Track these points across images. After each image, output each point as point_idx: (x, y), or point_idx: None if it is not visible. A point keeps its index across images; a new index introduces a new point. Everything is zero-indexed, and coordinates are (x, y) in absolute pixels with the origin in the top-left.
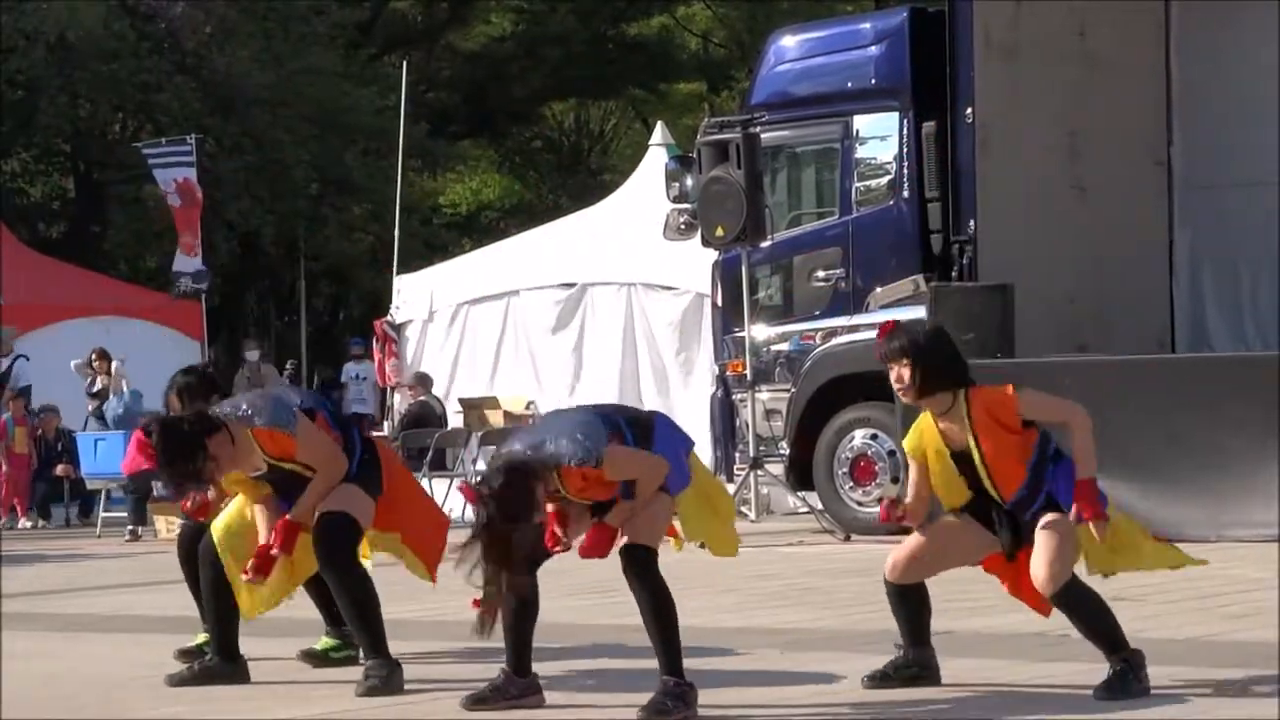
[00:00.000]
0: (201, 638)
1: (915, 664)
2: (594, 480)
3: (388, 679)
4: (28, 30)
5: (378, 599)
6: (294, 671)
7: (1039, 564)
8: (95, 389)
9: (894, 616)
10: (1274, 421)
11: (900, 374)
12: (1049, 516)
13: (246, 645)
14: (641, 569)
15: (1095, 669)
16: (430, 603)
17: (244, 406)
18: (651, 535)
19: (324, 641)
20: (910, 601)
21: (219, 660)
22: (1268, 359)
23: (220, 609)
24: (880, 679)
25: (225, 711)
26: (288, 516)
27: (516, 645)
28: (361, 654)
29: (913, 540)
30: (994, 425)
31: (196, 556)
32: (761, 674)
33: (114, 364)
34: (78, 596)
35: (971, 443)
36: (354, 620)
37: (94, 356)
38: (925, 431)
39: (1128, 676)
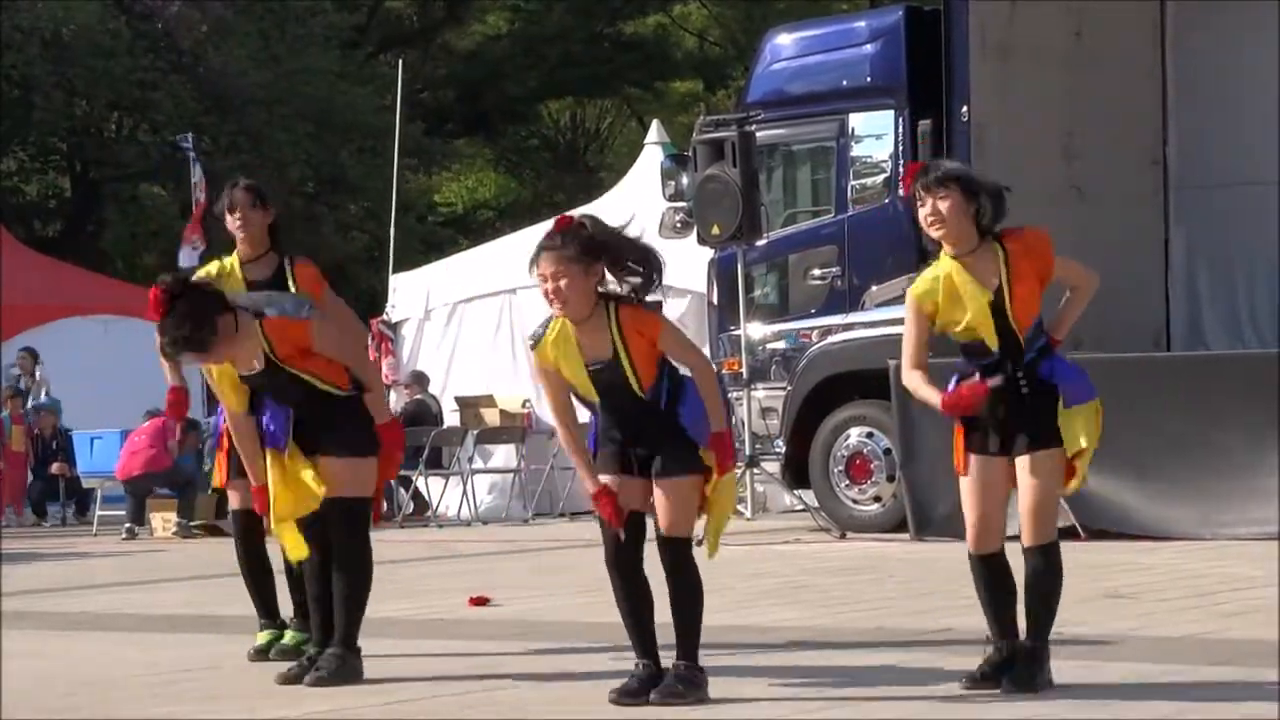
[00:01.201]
0: (263, 636)
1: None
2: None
3: (339, 670)
4: (23, 26)
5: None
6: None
7: (1029, 514)
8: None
9: (982, 606)
10: (1271, 419)
11: (936, 206)
12: (1041, 454)
13: (237, 645)
14: (683, 561)
15: (1098, 666)
16: (422, 601)
17: (257, 299)
18: (689, 525)
19: (293, 636)
20: (997, 576)
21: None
22: (1264, 357)
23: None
24: (980, 679)
25: (223, 711)
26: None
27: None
28: (320, 642)
29: (970, 503)
30: (1028, 269)
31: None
32: (757, 671)
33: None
34: (74, 595)
35: (1005, 278)
36: (344, 602)
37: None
38: (944, 279)
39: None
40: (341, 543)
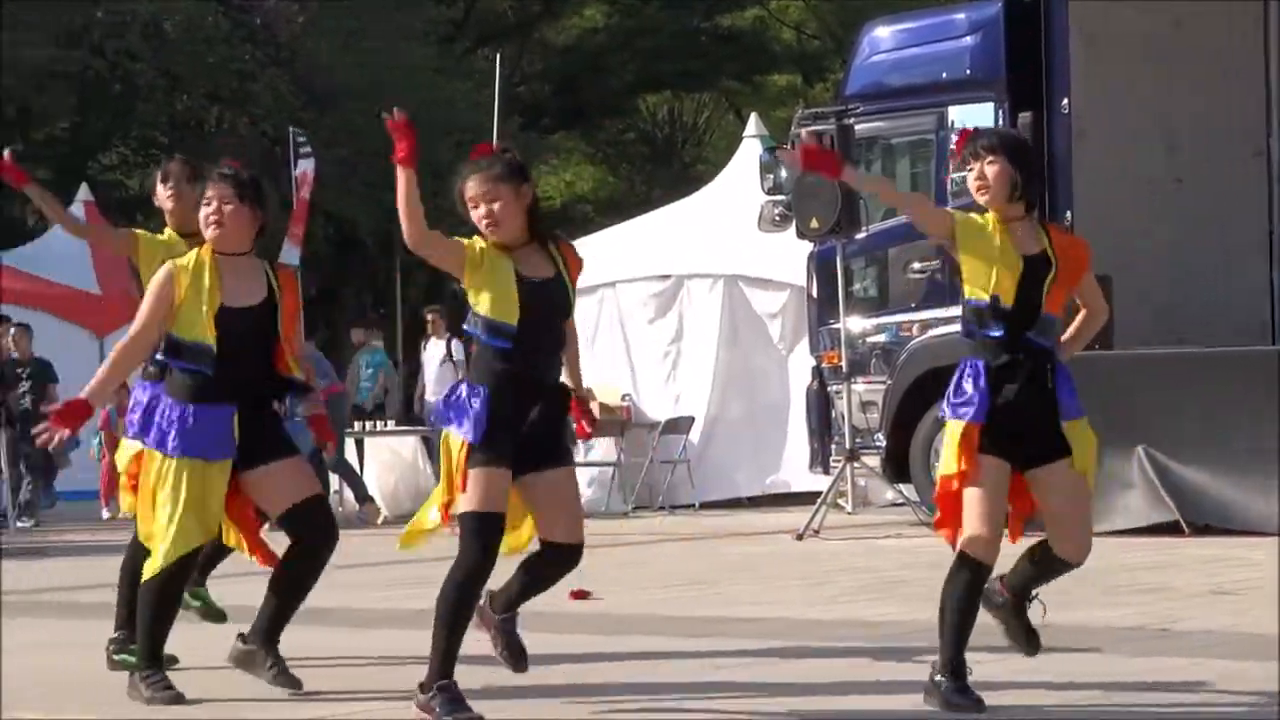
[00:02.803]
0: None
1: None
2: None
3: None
4: (124, 15)
5: None
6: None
7: (1078, 531)
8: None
9: (955, 629)
10: None
11: (983, 171)
12: (1064, 463)
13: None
14: None
15: (1202, 662)
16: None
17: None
18: None
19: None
20: (981, 594)
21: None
22: None
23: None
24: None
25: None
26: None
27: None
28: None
29: (985, 510)
30: (1068, 264)
31: None
32: (855, 668)
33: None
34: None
35: (1049, 250)
36: (295, 603)
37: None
38: (992, 222)
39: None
40: (326, 545)
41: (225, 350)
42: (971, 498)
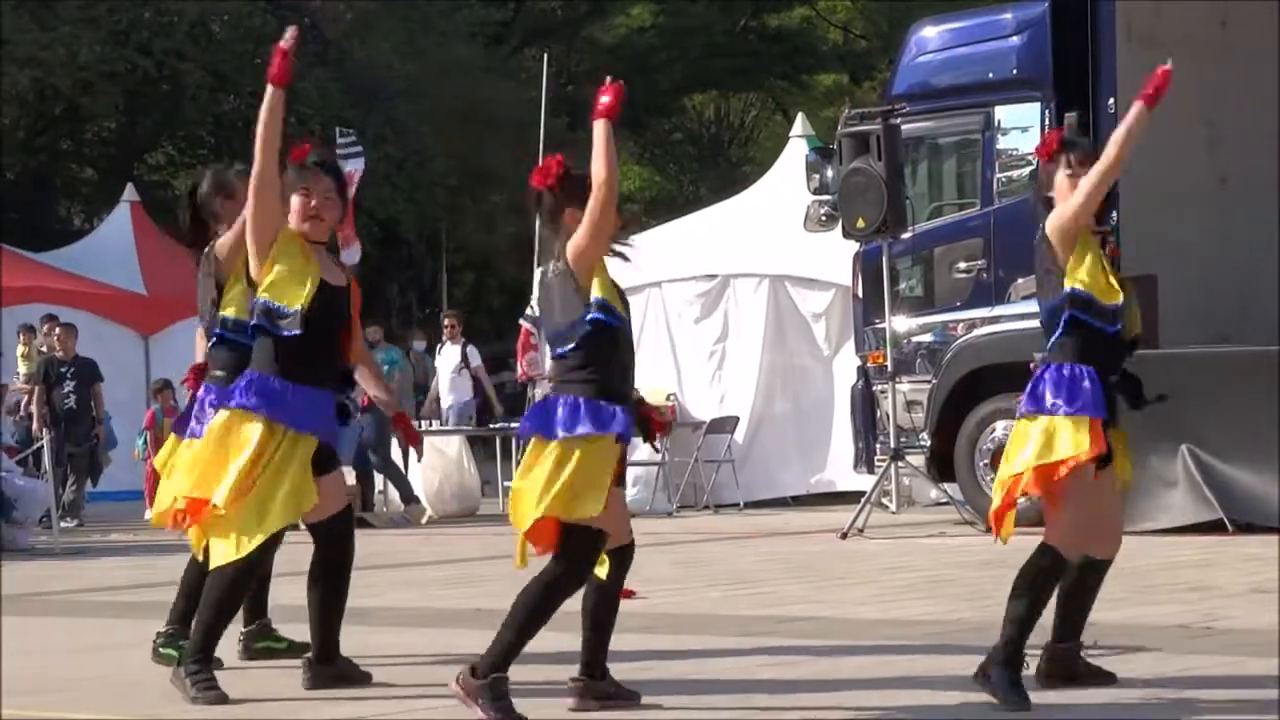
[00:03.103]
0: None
1: None
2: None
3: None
4: (171, 15)
5: None
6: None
7: (1118, 528)
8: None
9: (1075, 610)
10: None
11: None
12: (1112, 475)
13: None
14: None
15: (1242, 661)
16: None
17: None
18: None
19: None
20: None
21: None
22: None
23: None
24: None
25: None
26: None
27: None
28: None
29: (1112, 509)
30: None
31: None
32: (900, 666)
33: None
34: None
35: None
36: (338, 615)
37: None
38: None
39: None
40: (351, 552)
41: (318, 324)
42: (1098, 497)
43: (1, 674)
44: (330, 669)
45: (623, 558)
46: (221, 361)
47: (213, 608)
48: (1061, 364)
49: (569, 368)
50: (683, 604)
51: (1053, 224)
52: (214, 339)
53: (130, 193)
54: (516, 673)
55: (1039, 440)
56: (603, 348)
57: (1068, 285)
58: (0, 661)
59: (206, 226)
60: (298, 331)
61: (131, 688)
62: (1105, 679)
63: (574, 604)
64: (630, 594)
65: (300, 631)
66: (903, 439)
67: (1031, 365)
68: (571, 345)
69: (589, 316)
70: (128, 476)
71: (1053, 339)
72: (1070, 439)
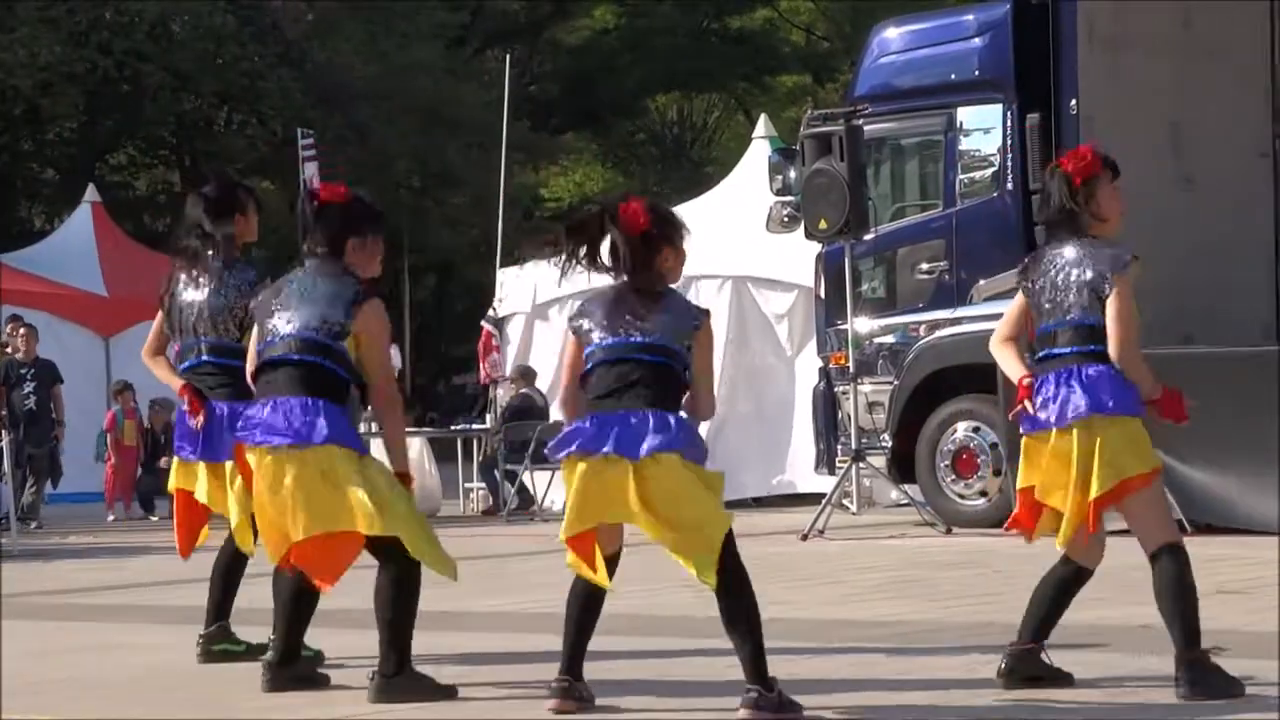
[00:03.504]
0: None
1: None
2: None
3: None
4: (132, 15)
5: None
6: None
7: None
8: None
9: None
10: None
11: (1116, 195)
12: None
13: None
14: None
15: (1111, 657)
16: (531, 596)
17: None
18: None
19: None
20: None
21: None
22: None
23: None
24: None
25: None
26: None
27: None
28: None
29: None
30: None
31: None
32: (865, 667)
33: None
34: (183, 588)
35: None
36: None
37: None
38: None
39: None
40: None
41: None
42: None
43: (1, 676)
44: (289, 671)
45: (611, 565)
46: (229, 376)
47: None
48: (1106, 364)
49: None
50: (648, 605)
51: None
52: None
53: (91, 193)
54: (489, 675)
55: (1138, 444)
56: None
57: None
58: (0, 663)
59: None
60: None
61: (94, 689)
62: (1065, 680)
63: (556, 606)
64: None
65: (258, 634)
66: (864, 440)
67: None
68: None
69: None
70: (86, 479)
71: (1081, 348)
72: (1145, 448)
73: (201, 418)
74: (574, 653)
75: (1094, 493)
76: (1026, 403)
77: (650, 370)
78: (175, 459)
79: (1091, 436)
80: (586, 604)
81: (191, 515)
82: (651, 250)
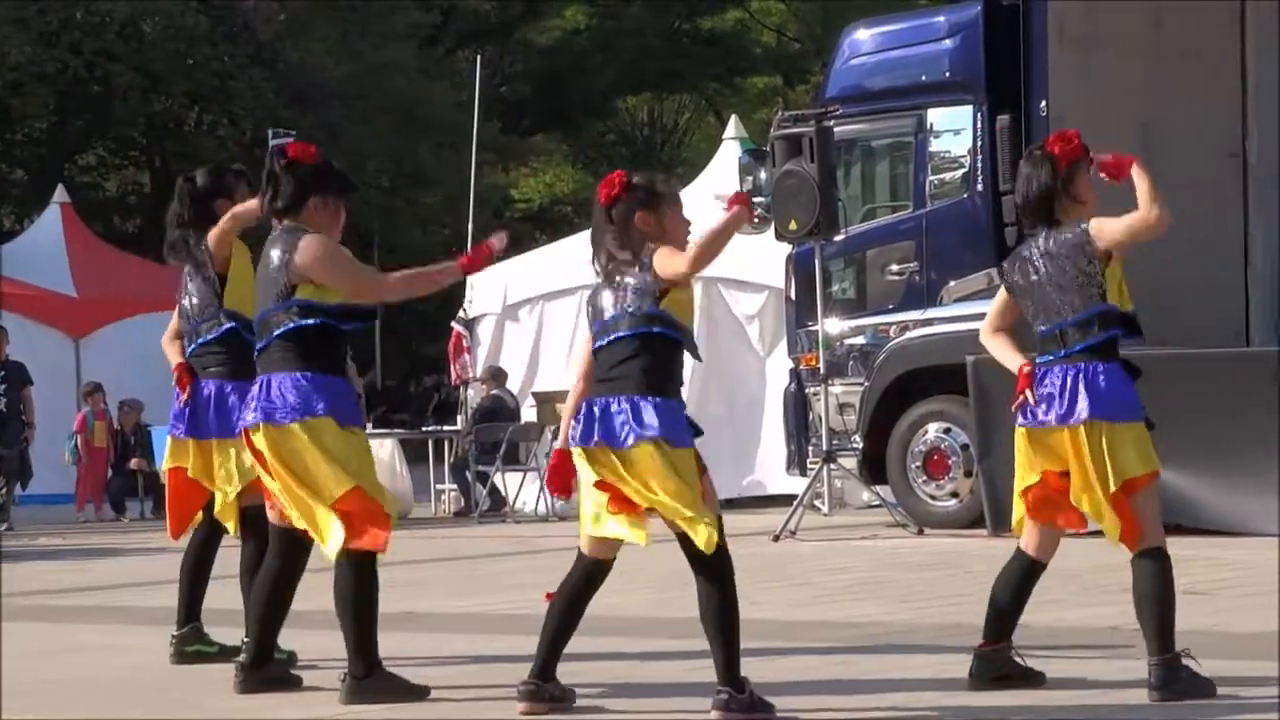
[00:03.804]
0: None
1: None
2: None
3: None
4: (102, 15)
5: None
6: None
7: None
8: None
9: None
10: None
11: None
12: None
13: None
14: None
15: (1079, 660)
16: (501, 596)
17: None
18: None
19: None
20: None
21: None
22: None
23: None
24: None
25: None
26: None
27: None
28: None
29: None
30: None
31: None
32: (837, 667)
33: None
34: (153, 589)
35: None
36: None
37: None
38: None
39: None
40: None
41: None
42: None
43: (1, 676)
44: (262, 673)
45: (601, 574)
46: (224, 357)
47: (356, 608)
48: (1112, 364)
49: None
50: (616, 606)
51: (1120, 231)
52: (221, 333)
53: (61, 194)
54: (461, 676)
55: (1141, 447)
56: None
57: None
58: (0, 664)
59: (210, 220)
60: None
61: (65, 690)
62: (1036, 679)
63: (529, 607)
64: (551, 596)
65: (232, 636)
66: (835, 441)
67: (1026, 368)
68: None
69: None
70: (56, 479)
71: (1090, 342)
72: (1148, 449)
73: (186, 395)
74: (549, 654)
75: (1112, 488)
76: (1028, 391)
77: (637, 344)
78: (169, 437)
79: (1098, 436)
80: (573, 601)
81: (186, 494)
82: (623, 217)
